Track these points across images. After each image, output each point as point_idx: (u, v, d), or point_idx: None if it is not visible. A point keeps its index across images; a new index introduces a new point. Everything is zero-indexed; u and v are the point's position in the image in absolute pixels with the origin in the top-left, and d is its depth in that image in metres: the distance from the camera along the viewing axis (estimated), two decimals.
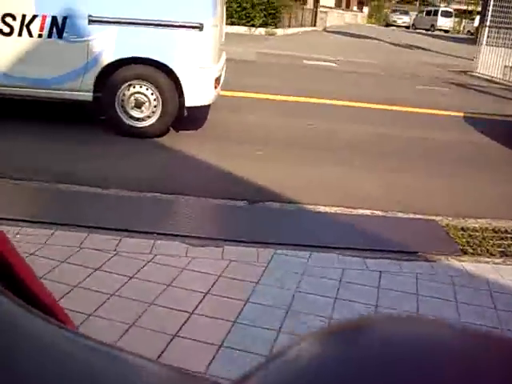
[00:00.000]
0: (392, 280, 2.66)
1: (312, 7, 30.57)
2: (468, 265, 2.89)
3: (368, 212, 3.54)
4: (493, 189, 4.26)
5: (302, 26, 27.02)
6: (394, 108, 7.15)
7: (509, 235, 3.32)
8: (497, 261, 2.99)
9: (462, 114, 7.10)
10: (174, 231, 2.96)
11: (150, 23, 4.47)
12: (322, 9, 32.56)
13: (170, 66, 4.49)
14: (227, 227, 3.21)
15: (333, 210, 3.52)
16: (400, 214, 3.55)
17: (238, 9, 21.41)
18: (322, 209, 3.51)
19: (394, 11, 47.91)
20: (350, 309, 2.39)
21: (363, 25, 44.00)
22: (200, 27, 4.49)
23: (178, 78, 4.52)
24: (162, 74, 4.54)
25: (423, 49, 19.99)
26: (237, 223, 3.25)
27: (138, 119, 4.65)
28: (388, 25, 45.55)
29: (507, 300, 2.57)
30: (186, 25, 4.48)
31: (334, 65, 11.98)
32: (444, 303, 2.51)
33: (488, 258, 3.02)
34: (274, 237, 3.00)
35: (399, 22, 44.77)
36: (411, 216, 3.53)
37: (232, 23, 19.68)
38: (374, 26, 45.09)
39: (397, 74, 11.25)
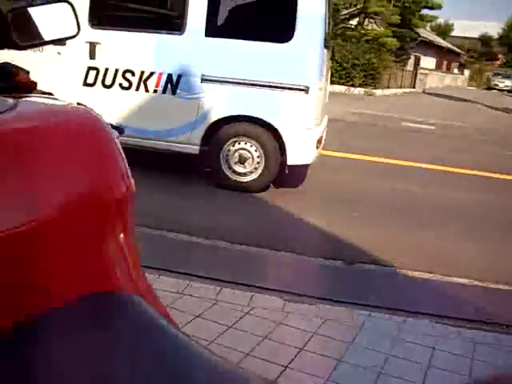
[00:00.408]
0: (487, 352, 2.61)
1: (412, 69, 30.59)
2: None
3: (465, 281, 3.49)
4: None
5: (400, 87, 27.05)
6: (495, 176, 7.00)
7: None
8: None
9: None
10: (271, 286, 3.07)
11: (258, 84, 4.72)
12: (421, 71, 32.51)
13: (275, 125, 4.69)
14: (323, 286, 3.28)
15: (429, 275, 3.51)
16: (499, 286, 3.48)
17: (339, 68, 21.81)
18: (417, 274, 3.51)
19: (496, 75, 46.88)
20: (442, 378, 2.37)
21: (463, 87, 43.32)
22: (306, 90, 4.68)
23: (281, 137, 4.71)
24: (267, 133, 4.75)
25: None
26: (333, 282, 3.33)
27: (240, 174, 4.88)
28: (489, 88, 44.59)
29: None
30: (293, 87, 4.69)
31: (431, 127, 11.91)
32: None
33: None
34: (369, 299, 3.04)
35: (501, 85, 43.72)
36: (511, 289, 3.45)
37: (332, 82, 20.02)
38: (474, 88, 44.30)
39: (499, 140, 11.00)
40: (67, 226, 0.69)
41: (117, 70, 4.92)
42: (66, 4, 1.21)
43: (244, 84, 4.73)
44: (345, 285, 3.30)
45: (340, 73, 21.63)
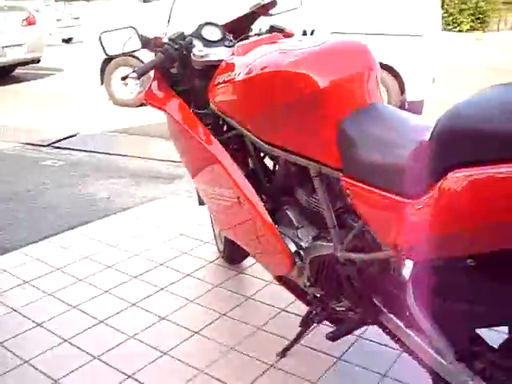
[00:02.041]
0: None
1: None
2: None
3: None
4: None
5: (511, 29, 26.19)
6: None
7: None
8: None
9: None
10: None
11: (380, 34, 5.56)
12: None
13: (396, 68, 5.55)
14: None
15: None
16: None
17: (445, 15, 21.66)
18: None
19: None
20: None
21: None
22: (420, 35, 5.49)
23: (401, 78, 5.57)
24: (389, 76, 5.61)
25: None
26: None
27: None
28: None
29: None
30: (410, 34, 5.51)
31: None
32: None
33: None
34: None
35: None
36: None
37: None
38: None
39: None
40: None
41: None
42: None
43: (369, 34, 5.56)
44: None
45: (446, 19, 21.50)
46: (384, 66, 5.54)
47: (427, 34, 5.51)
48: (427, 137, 1.17)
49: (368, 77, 1.56)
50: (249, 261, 2.64)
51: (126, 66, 6.96)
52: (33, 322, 2.21)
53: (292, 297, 2.01)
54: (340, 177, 1.47)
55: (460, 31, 21.28)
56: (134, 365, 1.95)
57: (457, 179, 1.07)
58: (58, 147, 4.98)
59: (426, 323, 1.36)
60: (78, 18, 18.68)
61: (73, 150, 4.88)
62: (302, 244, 1.78)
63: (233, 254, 2.66)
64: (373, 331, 1.91)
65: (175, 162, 4.41)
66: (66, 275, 2.58)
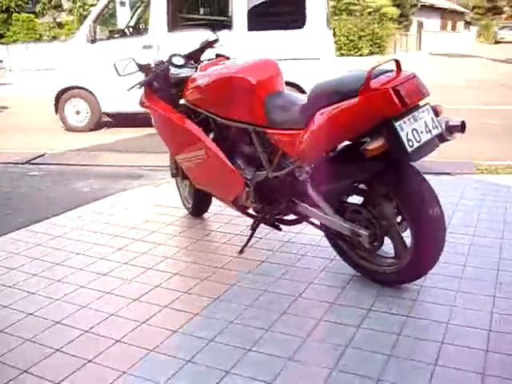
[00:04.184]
0: None
1: (415, 33, 32.46)
2: None
3: None
4: None
5: (406, 51, 29.02)
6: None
7: None
8: None
9: None
10: None
11: (287, 59, 7.05)
12: (426, 33, 34.31)
13: (301, 85, 7.04)
14: None
15: None
16: None
17: (347, 41, 23.99)
18: None
19: (503, 28, 48.18)
20: None
21: (471, 44, 44.73)
22: (318, 59, 7.06)
23: (304, 92, 7.07)
24: (296, 91, 7.09)
25: None
26: None
27: None
28: (497, 42, 45.94)
29: None
30: (310, 58, 7.07)
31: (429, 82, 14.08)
32: None
33: None
34: None
35: (508, 38, 45.06)
36: None
37: (342, 55, 22.24)
38: (482, 44, 45.68)
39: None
40: None
41: None
42: None
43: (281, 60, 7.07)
44: None
45: (348, 45, 23.80)
46: (291, 84, 7.04)
47: (323, 58, 7.09)
48: (306, 99, 2.56)
49: (277, 76, 2.95)
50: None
51: (77, 98, 8.17)
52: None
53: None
54: (267, 131, 2.83)
55: (361, 55, 23.56)
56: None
57: (319, 114, 2.45)
58: (35, 163, 6.09)
59: (319, 199, 2.71)
60: (1, 61, 19.40)
61: (49, 164, 6.01)
62: (248, 177, 3.10)
63: (198, 209, 3.94)
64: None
65: (135, 166, 5.68)
66: (77, 237, 3.77)
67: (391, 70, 2.41)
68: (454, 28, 48.51)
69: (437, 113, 2.49)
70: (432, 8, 38.66)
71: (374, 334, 2.34)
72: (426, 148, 2.38)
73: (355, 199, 2.77)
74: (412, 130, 2.33)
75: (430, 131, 2.39)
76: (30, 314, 2.62)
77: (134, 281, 2.96)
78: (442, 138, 2.49)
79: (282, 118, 2.75)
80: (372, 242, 2.65)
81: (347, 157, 2.59)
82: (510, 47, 34.84)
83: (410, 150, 2.29)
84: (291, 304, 2.63)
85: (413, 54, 28.64)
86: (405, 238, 2.63)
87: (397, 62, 2.41)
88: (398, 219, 2.64)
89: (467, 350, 2.19)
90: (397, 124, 2.29)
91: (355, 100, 2.34)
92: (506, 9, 60.34)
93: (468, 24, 54.22)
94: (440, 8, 41.75)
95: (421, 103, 2.44)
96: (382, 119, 2.31)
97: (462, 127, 2.49)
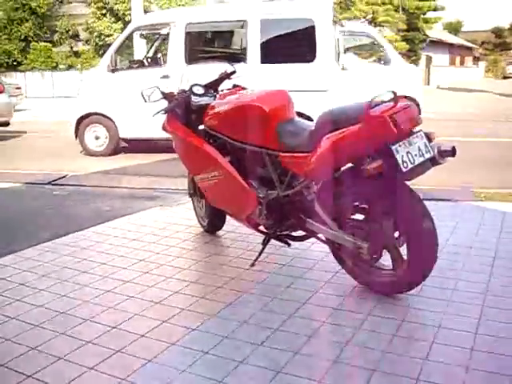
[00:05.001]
0: None
1: (424, 67, 33.03)
2: None
3: None
4: None
5: None
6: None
7: None
8: None
9: None
10: None
11: (298, 90, 7.44)
12: (434, 68, 34.89)
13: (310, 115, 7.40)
14: None
15: None
16: None
17: None
18: None
19: (511, 63, 48.82)
20: None
21: (479, 79, 45.31)
22: (326, 91, 7.44)
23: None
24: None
25: None
26: None
27: None
28: (506, 77, 46.53)
29: None
30: (319, 90, 7.46)
31: (431, 116, 14.46)
32: None
33: None
34: None
35: None
36: None
37: None
38: (491, 79, 46.25)
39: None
40: None
41: None
42: None
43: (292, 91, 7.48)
44: None
45: None
46: (300, 114, 7.40)
47: (331, 90, 7.46)
48: (314, 126, 2.90)
49: (288, 105, 3.29)
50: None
51: (96, 123, 8.57)
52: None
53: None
54: (279, 154, 3.15)
55: None
56: None
57: (325, 139, 2.78)
58: (57, 184, 6.45)
59: (324, 216, 3.02)
60: (19, 88, 20.05)
61: (70, 185, 6.36)
62: (261, 195, 3.42)
63: (212, 227, 4.25)
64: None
65: (152, 188, 6.02)
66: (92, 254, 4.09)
67: (389, 101, 2.74)
68: (462, 63, 49.21)
69: (430, 139, 2.80)
70: (441, 43, 39.39)
71: (371, 334, 2.62)
72: (419, 169, 2.69)
73: (358, 216, 3.08)
74: (407, 152, 2.64)
75: (422, 155, 2.71)
76: (63, 312, 2.92)
77: (155, 287, 3.26)
78: (434, 161, 2.79)
79: (292, 143, 3.08)
80: (371, 254, 2.95)
81: (350, 177, 2.90)
82: None
83: (404, 170, 2.61)
84: (298, 308, 2.92)
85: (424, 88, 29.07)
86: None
87: (394, 93, 2.73)
88: (396, 234, 2.93)
89: (454, 348, 2.47)
90: (393, 147, 2.61)
91: (356, 126, 2.67)
92: None
93: (477, 59, 54.98)
94: (449, 43, 42.46)
95: (416, 130, 2.77)
96: (380, 143, 2.63)
97: (452, 152, 2.80)
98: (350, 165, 2.92)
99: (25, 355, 2.49)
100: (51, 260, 3.74)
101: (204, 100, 3.75)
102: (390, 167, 2.63)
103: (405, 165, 2.62)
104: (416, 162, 2.66)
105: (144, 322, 2.79)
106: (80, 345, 2.58)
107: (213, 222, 4.22)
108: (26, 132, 12.51)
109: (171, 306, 2.98)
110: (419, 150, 2.71)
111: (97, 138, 8.74)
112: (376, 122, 2.62)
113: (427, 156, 2.73)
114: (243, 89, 3.85)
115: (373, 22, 27.20)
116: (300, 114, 3.43)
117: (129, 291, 3.20)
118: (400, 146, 2.64)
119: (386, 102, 2.72)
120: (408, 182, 2.78)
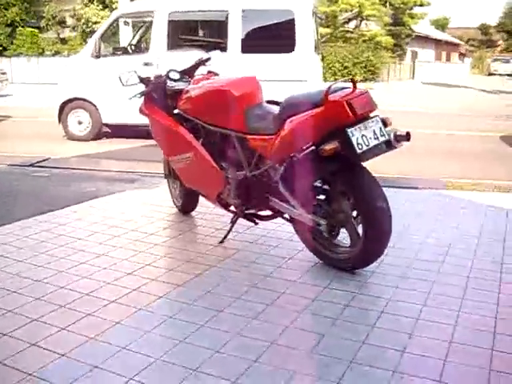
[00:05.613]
0: None
1: (410, 62, 33.35)
2: None
3: None
4: None
5: (400, 79, 29.80)
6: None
7: None
8: None
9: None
10: None
11: (276, 80, 7.63)
12: (419, 63, 35.20)
13: None
14: None
15: None
16: None
17: (341, 68, 24.70)
18: None
19: (495, 60, 49.32)
20: None
21: (464, 76, 45.74)
22: (306, 81, 7.63)
23: None
24: None
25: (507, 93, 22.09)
26: None
27: None
28: (490, 74, 47.02)
29: None
30: (298, 80, 7.64)
31: (417, 109, 14.74)
32: None
33: None
34: None
35: (500, 70, 46.12)
36: None
37: (335, 80, 22.92)
38: (476, 75, 46.71)
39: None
40: None
41: None
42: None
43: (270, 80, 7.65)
44: None
45: (342, 71, 24.51)
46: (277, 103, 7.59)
47: (310, 80, 7.66)
48: (278, 110, 3.09)
49: (257, 91, 3.48)
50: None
51: (79, 108, 8.71)
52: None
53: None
54: (246, 137, 3.35)
55: None
56: None
57: (289, 122, 2.98)
58: (39, 166, 6.59)
59: (288, 196, 3.22)
60: (5, 73, 19.98)
61: (52, 167, 6.50)
62: (229, 175, 3.61)
63: (186, 207, 4.44)
64: None
65: (131, 172, 6.19)
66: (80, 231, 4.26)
67: (348, 87, 2.94)
68: (448, 59, 49.65)
69: (385, 124, 3.01)
70: (427, 39, 39.73)
71: (326, 304, 2.83)
72: (373, 151, 2.90)
73: (321, 196, 3.29)
74: (362, 135, 2.85)
75: (377, 138, 2.91)
76: (39, 280, 3.10)
77: (128, 260, 3.44)
78: (390, 145, 3.00)
79: (258, 126, 3.27)
80: (330, 231, 3.15)
81: (311, 159, 3.10)
82: (502, 79, 35.77)
83: (359, 151, 2.82)
84: (261, 281, 3.12)
85: (405, 82, 29.43)
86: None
87: (353, 80, 2.93)
88: (354, 214, 3.14)
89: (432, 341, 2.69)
90: (349, 130, 2.81)
91: (316, 110, 2.87)
92: (500, 42, 61.72)
93: (463, 55, 55.47)
94: (435, 39, 42.81)
95: (372, 115, 2.97)
96: (337, 126, 2.83)
97: (407, 137, 3.01)
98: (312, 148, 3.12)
99: (1, 316, 2.67)
100: (30, 234, 3.91)
101: (179, 85, 3.93)
102: (345, 149, 2.83)
103: (359, 146, 2.82)
104: (370, 145, 2.87)
105: (115, 291, 2.98)
106: (53, 309, 2.76)
107: (186, 203, 4.40)
108: (10, 117, 12.60)
109: (142, 277, 3.17)
110: (374, 133, 2.92)
111: (80, 122, 8.88)
112: (334, 107, 2.82)
113: (382, 139, 2.94)
114: (216, 75, 4.03)
115: (359, 15, 27.51)
116: (277, 103, 3.61)
117: (103, 263, 3.38)
118: (355, 129, 2.84)
119: (344, 88, 2.92)
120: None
